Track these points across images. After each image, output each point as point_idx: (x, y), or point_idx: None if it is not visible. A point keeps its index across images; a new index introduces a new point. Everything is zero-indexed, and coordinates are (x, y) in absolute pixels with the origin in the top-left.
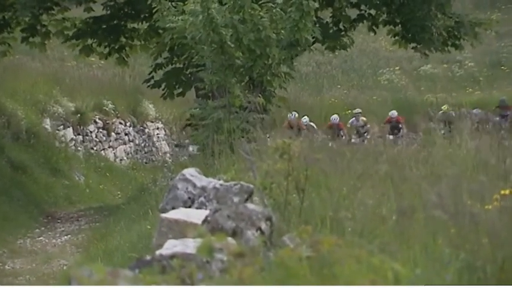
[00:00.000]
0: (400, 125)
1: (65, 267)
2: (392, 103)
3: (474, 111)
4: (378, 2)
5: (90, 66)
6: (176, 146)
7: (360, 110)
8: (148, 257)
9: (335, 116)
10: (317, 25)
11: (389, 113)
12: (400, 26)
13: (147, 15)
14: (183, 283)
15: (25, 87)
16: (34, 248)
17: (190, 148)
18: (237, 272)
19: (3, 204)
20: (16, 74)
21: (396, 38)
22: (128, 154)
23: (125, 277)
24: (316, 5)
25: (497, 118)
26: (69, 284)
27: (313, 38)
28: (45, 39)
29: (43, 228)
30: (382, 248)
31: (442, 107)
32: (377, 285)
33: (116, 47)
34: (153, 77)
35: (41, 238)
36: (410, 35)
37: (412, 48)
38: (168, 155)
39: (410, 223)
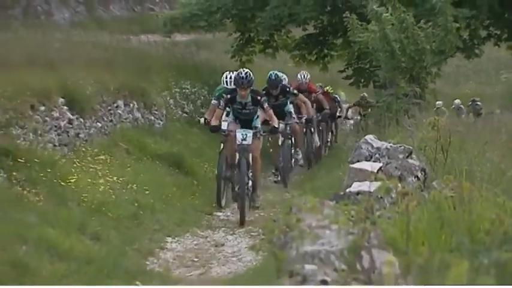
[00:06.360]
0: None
1: (287, 197)
2: (508, 94)
3: None
4: (502, 24)
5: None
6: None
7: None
8: (341, 193)
9: (458, 101)
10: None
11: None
12: None
13: (342, 33)
14: (366, 211)
15: (261, 83)
16: (267, 185)
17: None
18: (403, 205)
19: None
20: (255, 71)
21: None
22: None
23: (328, 205)
24: (458, 25)
25: None
26: (291, 209)
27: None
28: (275, 51)
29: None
30: (503, 192)
31: None
32: None
33: (321, 56)
34: (345, 70)
35: (270, 178)
36: None
37: None
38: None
39: None
